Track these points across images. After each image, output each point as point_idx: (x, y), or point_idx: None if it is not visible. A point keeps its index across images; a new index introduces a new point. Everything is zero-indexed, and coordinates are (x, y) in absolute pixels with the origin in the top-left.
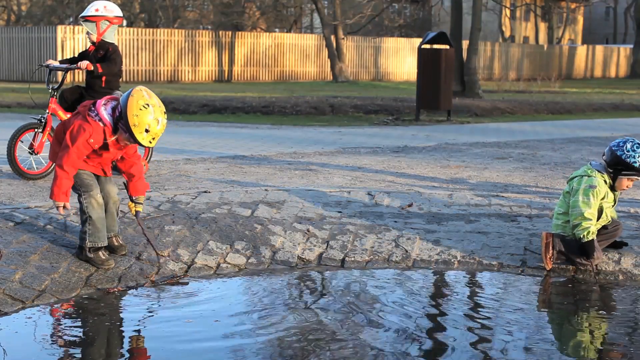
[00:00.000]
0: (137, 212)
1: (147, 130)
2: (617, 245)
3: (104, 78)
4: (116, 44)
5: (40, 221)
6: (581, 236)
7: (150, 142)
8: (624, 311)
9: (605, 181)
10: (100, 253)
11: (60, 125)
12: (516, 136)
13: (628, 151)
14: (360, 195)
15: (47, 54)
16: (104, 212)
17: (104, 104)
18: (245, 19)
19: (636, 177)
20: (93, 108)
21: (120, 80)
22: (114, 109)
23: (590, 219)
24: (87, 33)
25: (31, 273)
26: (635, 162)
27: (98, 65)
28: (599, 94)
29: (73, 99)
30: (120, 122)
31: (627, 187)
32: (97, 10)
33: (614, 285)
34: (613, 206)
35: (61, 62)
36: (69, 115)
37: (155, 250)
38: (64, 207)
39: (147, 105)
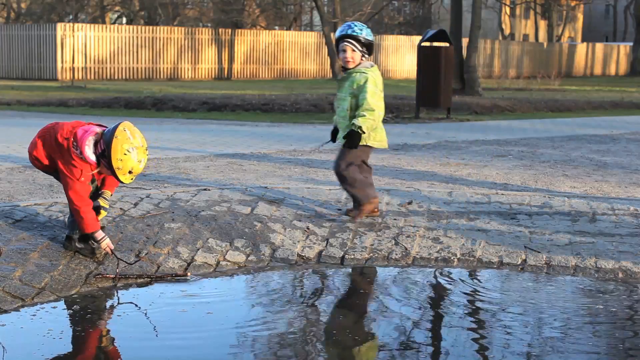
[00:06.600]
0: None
1: (130, 172)
2: None
3: None
4: None
5: (39, 219)
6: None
7: (131, 180)
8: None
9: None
10: (89, 242)
11: (49, 133)
12: (516, 134)
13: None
14: None
15: (47, 51)
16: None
17: (87, 144)
18: (245, 17)
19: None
20: (76, 144)
21: (119, 77)
22: (95, 145)
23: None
24: None
25: (31, 270)
26: (354, 32)
27: None
28: (599, 91)
29: None
30: (103, 159)
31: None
32: None
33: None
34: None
35: None
36: None
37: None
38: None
39: (130, 149)
